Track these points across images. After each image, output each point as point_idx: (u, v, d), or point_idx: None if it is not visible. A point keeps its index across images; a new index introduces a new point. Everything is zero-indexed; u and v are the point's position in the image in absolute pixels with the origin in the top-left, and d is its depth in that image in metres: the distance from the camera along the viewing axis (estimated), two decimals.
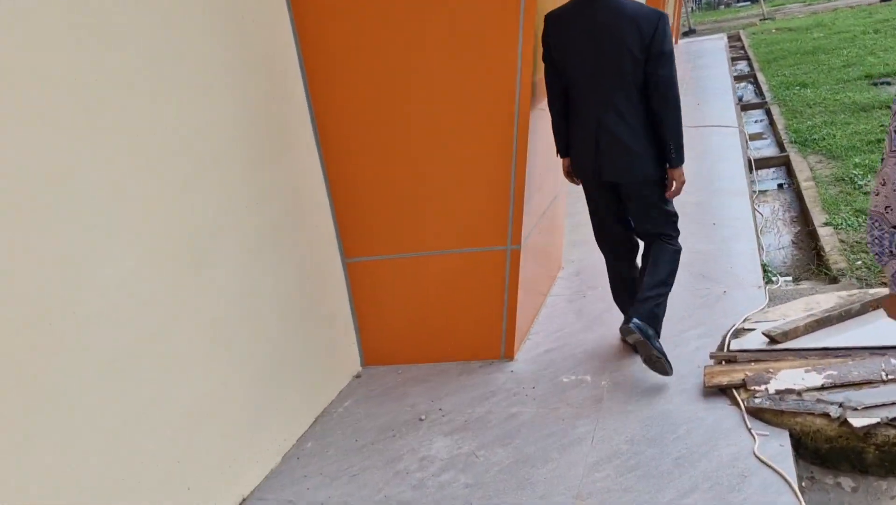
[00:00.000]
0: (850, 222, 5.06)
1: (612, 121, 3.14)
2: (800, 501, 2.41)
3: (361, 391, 3.66)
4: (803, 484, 2.64)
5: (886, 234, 1.92)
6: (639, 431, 2.94)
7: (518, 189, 3.47)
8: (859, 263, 4.42)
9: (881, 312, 3.38)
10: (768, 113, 9.22)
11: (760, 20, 19.42)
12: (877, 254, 1.98)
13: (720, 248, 4.68)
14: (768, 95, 10.00)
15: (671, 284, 3.30)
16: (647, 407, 3.11)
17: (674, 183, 3.21)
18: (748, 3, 26.96)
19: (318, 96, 3.54)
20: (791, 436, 2.75)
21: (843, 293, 3.73)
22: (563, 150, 3.41)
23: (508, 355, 3.73)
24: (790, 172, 6.80)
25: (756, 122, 9.34)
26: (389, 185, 3.61)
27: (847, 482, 2.67)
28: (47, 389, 2.13)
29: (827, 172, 6.24)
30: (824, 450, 2.73)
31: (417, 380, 3.67)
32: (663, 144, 3.15)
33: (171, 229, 2.63)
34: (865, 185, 5.72)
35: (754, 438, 2.76)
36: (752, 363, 3.18)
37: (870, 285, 3.99)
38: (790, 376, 2.99)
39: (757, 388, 2.97)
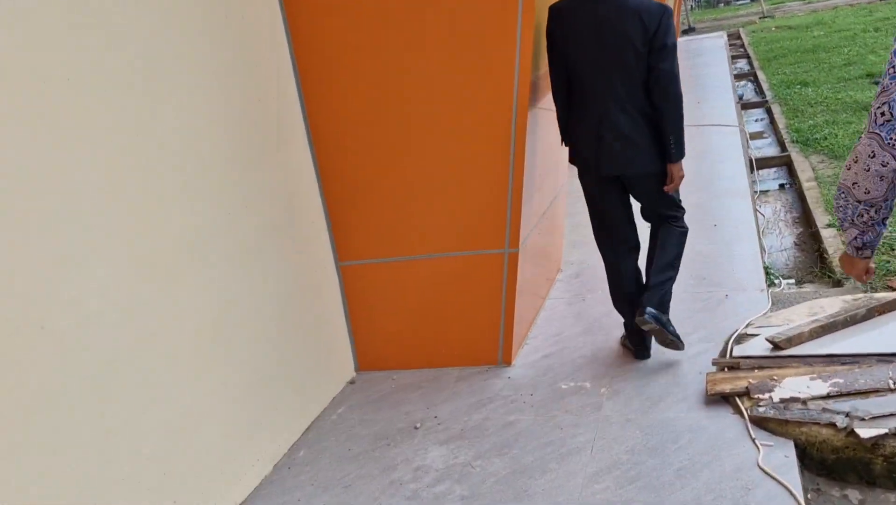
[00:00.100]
0: None
1: (615, 114, 3.14)
2: None
3: (355, 398, 3.58)
4: (809, 496, 2.56)
5: (850, 206, 2.08)
6: (639, 441, 2.87)
7: (516, 190, 3.40)
8: None
9: (888, 318, 3.32)
10: (769, 112, 9.14)
11: (760, 18, 19.32)
12: (840, 219, 2.16)
13: (721, 250, 4.61)
14: (769, 94, 9.91)
15: (678, 268, 3.38)
16: (647, 415, 3.03)
17: (673, 177, 3.23)
18: (747, 1, 26.86)
19: (311, 96, 3.46)
20: (796, 446, 2.67)
21: (848, 297, 3.65)
22: (566, 140, 3.44)
23: (506, 361, 3.65)
24: (792, 172, 6.71)
25: (756, 120, 9.26)
26: (384, 187, 3.53)
27: (854, 495, 2.59)
28: (41, 393, 2.08)
29: (829, 173, 6.16)
30: (830, 461, 2.65)
31: (413, 386, 3.60)
32: (664, 138, 3.15)
33: (162, 231, 2.59)
34: None
35: (758, 448, 2.68)
36: (756, 370, 3.10)
37: (875, 289, 3.91)
38: (795, 384, 2.91)
39: (761, 396, 2.89)
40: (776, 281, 4.49)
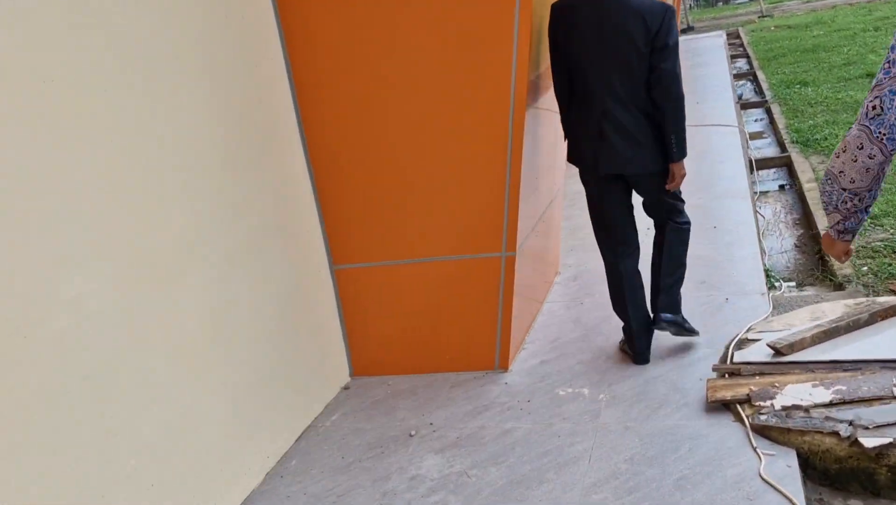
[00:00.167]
0: None
1: (618, 111, 3.14)
2: None
3: (349, 404, 3.52)
4: None
5: (835, 193, 2.14)
6: (638, 450, 2.81)
7: (513, 193, 3.34)
8: (865, 268, 4.28)
9: (891, 323, 3.27)
10: (768, 112, 9.08)
11: (759, 17, 19.25)
12: (825, 203, 2.21)
13: (721, 252, 4.55)
14: (768, 94, 9.86)
15: (686, 263, 3.45)
16: (647, 423, 2.97)
17: (675, 176, 3.23)
18: (746, 0, 26.78)
19: (305, 98, 3.40)
20: (799, 456, 2.62)
21: (850, 301, 3.59)
22: (569, 137, 3.43)
23: (503, 366, 3.59)
24: (792, 173, 6.66)
25: (756, 120, 9.20)
26: (380, 189, 3.47)
27: None
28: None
29: None
30: (833, 471, 2.59)
31: (408, 392, 3.53)
32: (666, 138, 3.15)
33: (155, 235, 2.55)
34: None
35: (760, 457, 2.62)
36: (757, 377, 3.04)
37: (877, 293, 3.86)
38: (797, 391, 2.86)
39: (762, 403, 2.83)
40: (777, 284, 4.43)
